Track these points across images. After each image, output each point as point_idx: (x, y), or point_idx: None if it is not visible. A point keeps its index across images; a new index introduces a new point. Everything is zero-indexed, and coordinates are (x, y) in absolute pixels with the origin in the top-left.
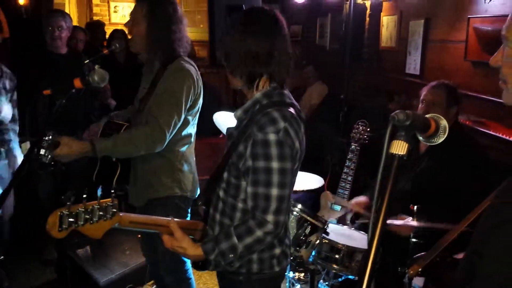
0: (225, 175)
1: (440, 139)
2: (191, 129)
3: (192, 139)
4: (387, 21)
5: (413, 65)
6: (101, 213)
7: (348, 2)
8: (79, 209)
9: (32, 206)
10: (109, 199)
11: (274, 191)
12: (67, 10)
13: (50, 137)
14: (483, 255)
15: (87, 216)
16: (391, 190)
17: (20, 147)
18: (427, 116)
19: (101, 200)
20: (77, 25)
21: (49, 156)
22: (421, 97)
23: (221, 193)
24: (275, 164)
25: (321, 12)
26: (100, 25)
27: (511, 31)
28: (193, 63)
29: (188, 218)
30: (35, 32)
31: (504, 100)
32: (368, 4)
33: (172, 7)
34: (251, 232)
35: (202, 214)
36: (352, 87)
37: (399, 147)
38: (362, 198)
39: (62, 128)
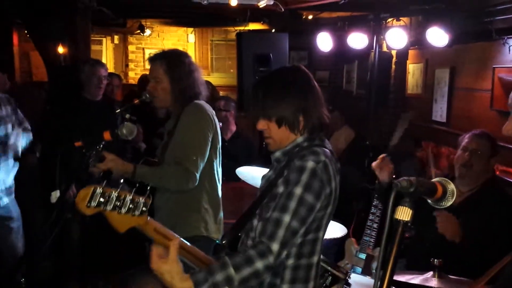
0: (255, 222)
1: (448, 202)
2: (215, 167)
3: (217, 181)
4: (413, 69)
5: (440, 112)
6: (131, 206)
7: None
8: (113, 192)
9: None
10: (143, 196)
11: (287, 217)
12: (104, 56)
13: (100, 147)
14: None
15: (117, 203)
16: (395, 258)
17: (51, 195)
18: (433, 180)
19: (135, 194)
20: (113, 71)
21: (93, 164)
22: (463, 144)
23: (249, 242)
24: (298, 190)
25: (348, 59)
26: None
27: None
28: (207, 105)
29: None
30: (72, 78)
31: None
32: (394, 52)
33: (188, 59)
34: (251, 262)
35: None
36: (379, 132)
37: (404, 213)
38: None
39: None
